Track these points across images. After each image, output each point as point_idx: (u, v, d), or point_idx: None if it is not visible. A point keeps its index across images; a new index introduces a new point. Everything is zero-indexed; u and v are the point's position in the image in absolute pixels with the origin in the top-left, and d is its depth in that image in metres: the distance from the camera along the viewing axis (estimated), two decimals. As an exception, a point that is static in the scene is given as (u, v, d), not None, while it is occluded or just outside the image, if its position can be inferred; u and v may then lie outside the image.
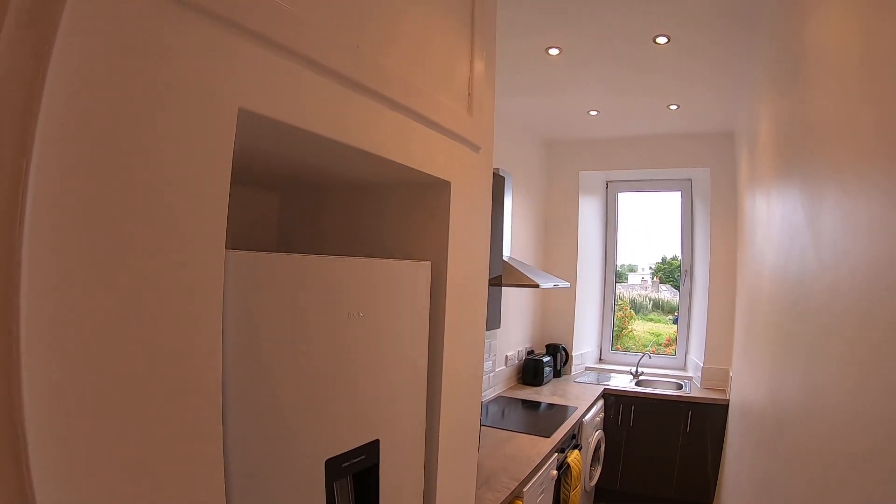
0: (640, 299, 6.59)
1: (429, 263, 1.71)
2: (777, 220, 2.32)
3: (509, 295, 4.73)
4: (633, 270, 6.59)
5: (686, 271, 5.77)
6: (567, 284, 4.19)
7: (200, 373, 0.94)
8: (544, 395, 4.75)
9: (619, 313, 6.34)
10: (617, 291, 6.31)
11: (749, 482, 2.65)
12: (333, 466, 1.37)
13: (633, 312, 6.52)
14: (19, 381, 0.68)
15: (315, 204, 2.01)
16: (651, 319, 6.53)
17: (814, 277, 1.57)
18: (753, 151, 3.41)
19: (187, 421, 0.92)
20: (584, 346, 5.94)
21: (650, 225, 6.20)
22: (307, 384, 1.28)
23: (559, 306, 5.68)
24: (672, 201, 5.88)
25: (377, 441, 1.52)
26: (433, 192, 1.74)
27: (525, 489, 2.84)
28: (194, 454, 0.94)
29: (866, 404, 1.00)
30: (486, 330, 2.25)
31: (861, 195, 1.17)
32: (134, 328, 0.83)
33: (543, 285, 3.31)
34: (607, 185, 6.05)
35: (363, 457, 1.48)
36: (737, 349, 4.34)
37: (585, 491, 4.49)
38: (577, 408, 4.24)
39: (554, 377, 5.41)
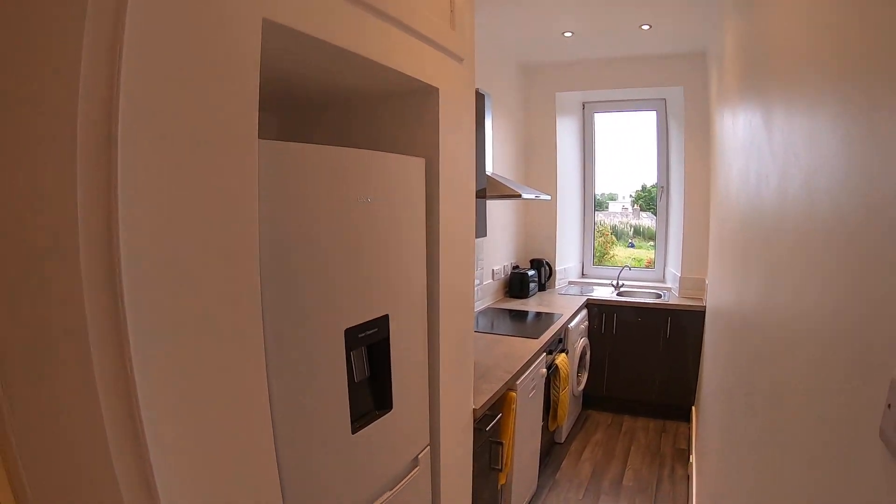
0: (622, 226, 6.78)
1: (423, 160, 1.90)
2: (741, 128, 2.46)
3: (494, 211, 4.90)
4: (613, 199, 6.73)
5: (662, 187, 5.95)
6: (548, 197, 4.38)
7: (245, 244, 1.14)
8: (531, 305, 4.98)
9: (600, 239, 6.55)
10: (598, 219, 6.49)
11: (722, 380, 2.84)
12: (351, 336, 1.58)
13: (614, 238, 6.72)
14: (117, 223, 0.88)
15: (313, 119, 2.17)
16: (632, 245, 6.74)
17: (768, 171, 1.71)
18: (722, 69, 3.52)
19: (234, 290, 1.12)
20: (567, 261, 6.17)
21: (628, 150, 6.32)
22: (326, 259, 1.48)
23: (542, 222, 5.87)
24: (648, 123, 6.00)
25: (387, 316, 1.74)
26: (424, 97, 1.92)
27: (518, 382, 3.09)
28: (240, 319, 1.15)
29: (806, 302, 1.16)
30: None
31: (798, 94, 1.34)
32: (197, 206, 1.02)
33: (525, 196, 3.49)
34: (584, 105, 6.15)
35: (375, 329, 1.69)
36: (711, 258, 4.49)
37: (574, 395, 4.77)
38: (562, 315, 4.47)
39: (539, 290, 5.63)
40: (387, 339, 1.75)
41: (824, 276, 0.96)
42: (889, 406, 0.62)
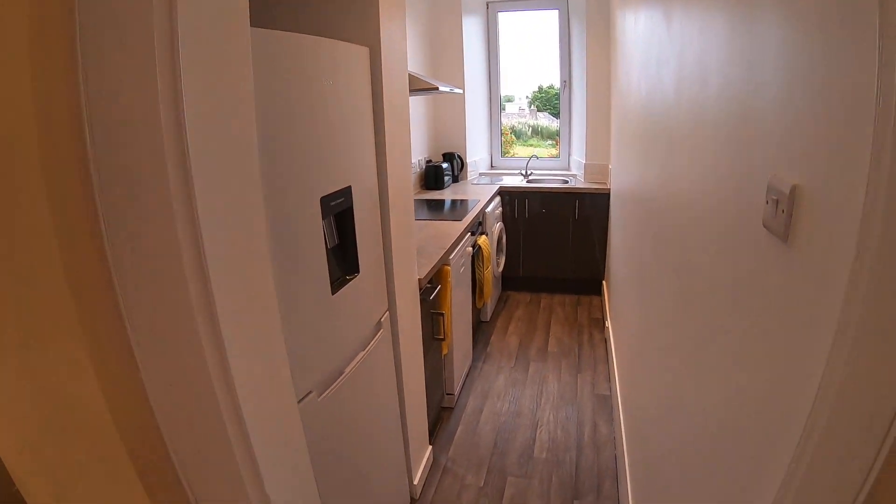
0: (520, 126, 7.08)
1: (367, 49, 2.10)
2: (643, 24, 2.64)
3: (407, 108, 5.07)
4: (510, 101, 7.00)
5: (565, 82, 6.24)
6: (460, 91, 4.59)
7: (247, 120, 1.30)
8: (447, 195, 5.25)
9: (501, 139, 6.87)
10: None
11: (629, 254, 3.13)
12: (325, 204, 1.81)
13: (514, 137, 7.04)
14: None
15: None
16: (531, 144, 7.08)
17: (667, 55, 1.91)
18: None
19: (243, 164, 1.28)
20: (477, 154, 6.47)
21: (527, 51, 6.59)
22: (302, 134, 1.68)
23: (451, 117, 6.10)
24: (548, 22, 6.24)
25: (350, 187, 1.97)
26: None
27: (450, 258, 3.41)
28: (247, 189, 1.32)
29: (704, 143, 1.36)
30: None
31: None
32: (219, 91, 1.19)
33: (442, 88, 3.68)
34: (488, 5, 6.32)
35: (342, 199, 1.92)
36: (613, 145, 4.88)
37: (495, 276, 5.18)
38: (479, 200, 4.79)
39: (453, 182, 5.94)
40: (351, 209, 1.99)
41: (716, 124, 1.24)
42: (767, 202, 0.88)
